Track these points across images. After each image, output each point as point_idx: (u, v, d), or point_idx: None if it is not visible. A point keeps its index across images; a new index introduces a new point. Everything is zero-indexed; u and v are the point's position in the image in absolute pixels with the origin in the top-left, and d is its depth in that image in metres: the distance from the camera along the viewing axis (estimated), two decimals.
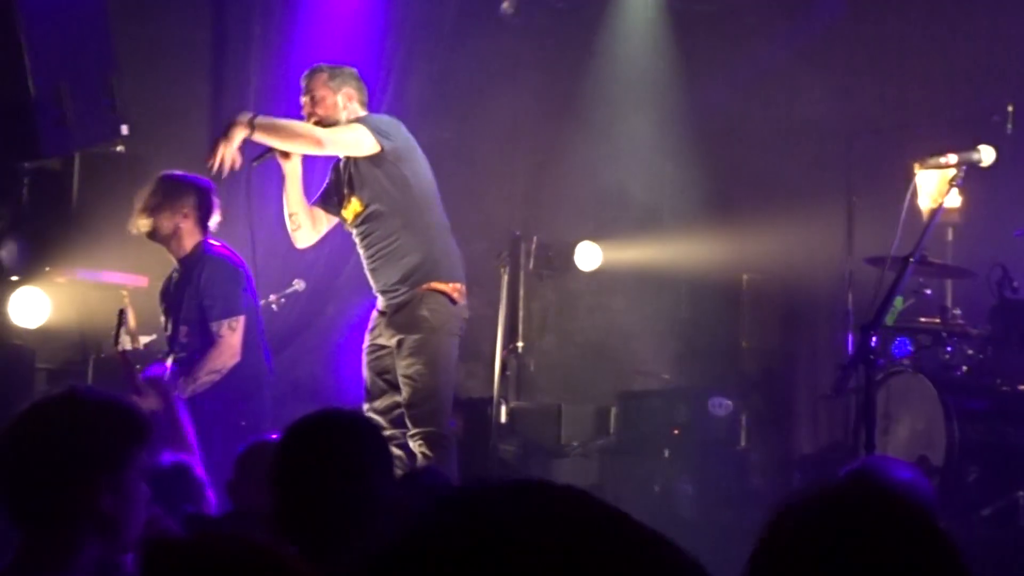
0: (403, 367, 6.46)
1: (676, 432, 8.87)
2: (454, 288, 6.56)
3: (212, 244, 6.72)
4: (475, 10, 9.97)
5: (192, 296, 6.55)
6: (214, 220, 6.71)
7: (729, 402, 8.95)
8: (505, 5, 10.15)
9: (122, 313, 6.33)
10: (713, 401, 8.92)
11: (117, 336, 6.30)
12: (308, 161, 6.80)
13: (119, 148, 7.93)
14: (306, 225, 6.77)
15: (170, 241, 6.64)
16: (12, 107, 6.80)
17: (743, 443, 9.10)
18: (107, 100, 7.36)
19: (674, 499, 8.22)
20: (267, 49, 9.02)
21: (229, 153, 6.34)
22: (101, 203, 7.81)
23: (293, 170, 6.65)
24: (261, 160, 6.66)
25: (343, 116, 6.60)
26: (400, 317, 6.52)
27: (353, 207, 6.63)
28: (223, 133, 6.38)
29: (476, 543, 1.09)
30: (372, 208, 6.59)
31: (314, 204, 6.81)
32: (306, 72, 6.76)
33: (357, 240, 6.71)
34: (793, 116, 9.90)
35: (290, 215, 6.76)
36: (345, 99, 6.65)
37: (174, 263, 6.73)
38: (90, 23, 7.34)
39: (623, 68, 10.47)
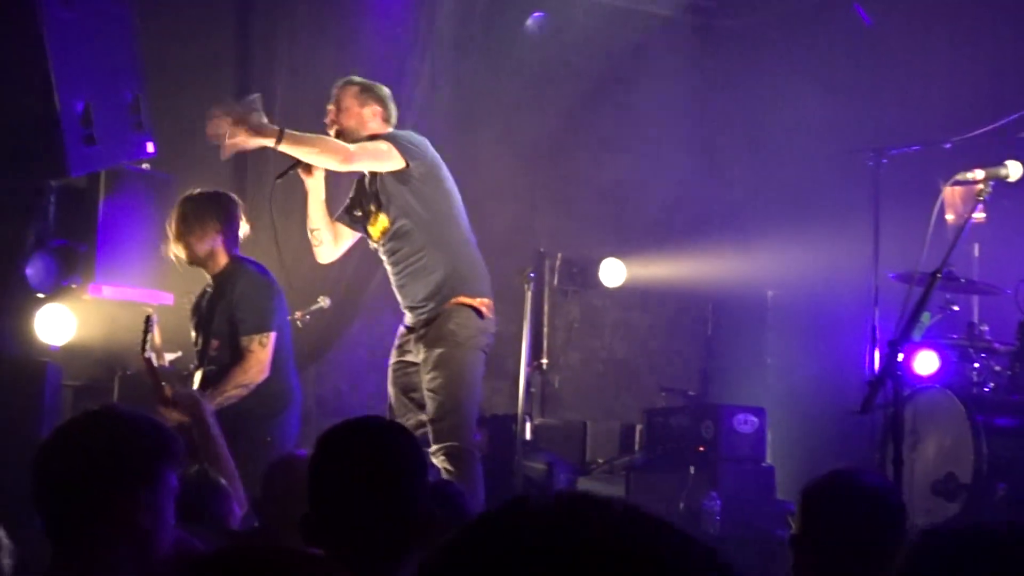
0: (427, 381, 6.44)
1: (701, 449, 8.84)
2: (481, 303, 6.54)
3: (245, 259, 6.74)
4: (501, 26, 9.98)
5: (224, 310, 6.55)
6: (243, 230, 6.72)
7: (755, 418, 8.91)
8: (530, 22, 10.16)
9: (149, 319, 6.34)
10: (738, 417, 8.88)
11: (144, 343, 6.31)
12: (331, 176, 6.80)
13: (145, 166, 7.97)
14: (328, 241, 6.77)
15: (207, 261, 6.65)
16: (39, 125, 6.83)
17: (769, 459, 9.06)
18: (133, 118, 7.40)
19: (700, 516, 8.18)
20: (292, 67, 9.04)
21: (239, 142, 6.32)
22: (127, 221, 7.84)
23: (316, 186, 6.65)
24: (285, 175, 6.67)
25: (365, 131, 6.60)
26: (428, 332, 6.50)
27: (380, 224, 6.62)
28: (248, 124, 6.33)
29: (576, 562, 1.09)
30: (399, 225, 6.58)
31: (336, 219, 6.82)
32: (339, 81, 6.77)
33: (384, 257, 6.71)
34: (818, 131, 9.86)
35: (312, 231, 6.77)
36: (371, 114, 6.66)
37: (207, 279, 6.73)
38: (116, 41, 7.37)
39: (647, 84, 10.46)
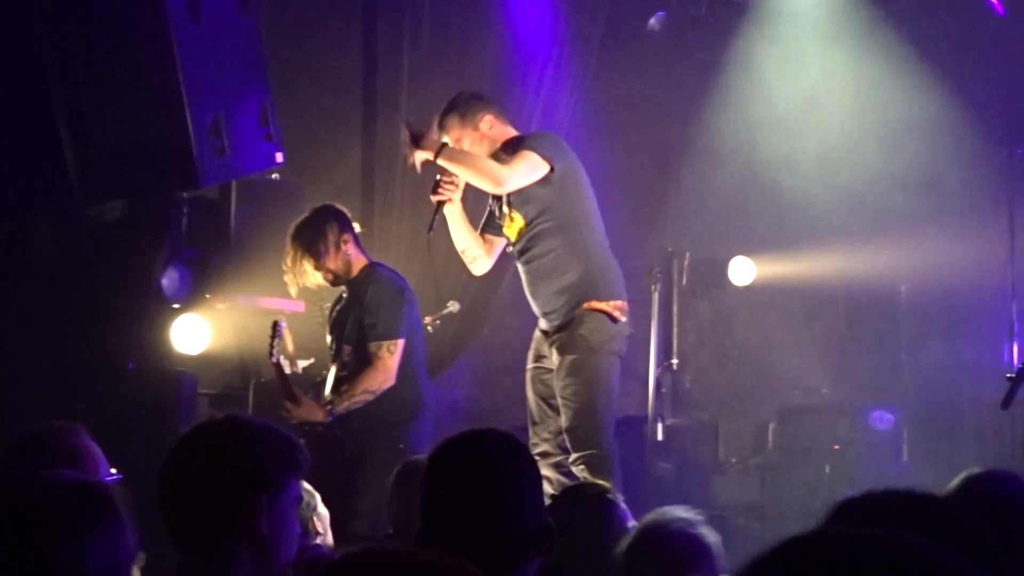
0: (560, 388, 6.36)
1: (837, 447, 8.73)
2: (614, 306, 6.42)
3: (378, 264, 6.79)
4: (624, 26, 9.95)
5: (357, 317, 6.61)
6: (357, 229, 6.78)
7: (891, 415, 8.79)
8: (653, 21, 10.12)
9: (276, 325, 6.43)
10: (874, 415, 8.77)
11: (272, 348, 6.40)
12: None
13: (274, 175, 8.07)
14: (479, 254, 6.70)
15: (346, 273, 6.71)
16: (171, 139, 6.95)
17: (906, 457, 8.93)
18: (262, 128, 7.49)
19: None
20: (416, 76, 9.09)
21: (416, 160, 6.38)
22: (258, 230, 7.94)
23: (454, 212, 6.56)
24: (434, 222, 6.60)
25: (489, 143, 6.52)
26: (561, 337, 6.42)
27: (516, 224, 6.53)
28: (414, 141, 6.35)
29: None
30: (535, 225, 6.50)
31: (482, 231, 6.74)
32: (438, 119, 6.61)
33: (516, 258, 6.65)
34: (953, 123, 9.69)
35: (462, 251, 6.73)
36: (487, 127, 6.53)
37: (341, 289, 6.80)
38: (244, 53, 7.47)
39: (774, 80, 10.35)
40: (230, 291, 7.85)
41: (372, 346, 6.53)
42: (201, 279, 7.81)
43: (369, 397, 6.47)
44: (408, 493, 4.33)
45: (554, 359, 6.44)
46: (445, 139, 6.43)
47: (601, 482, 4.56)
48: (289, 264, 6.67)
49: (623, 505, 4.07)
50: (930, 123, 9.83)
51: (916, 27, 10.01)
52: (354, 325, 6.63)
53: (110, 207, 7.71)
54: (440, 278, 7.17)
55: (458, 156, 6.37)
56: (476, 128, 6.51)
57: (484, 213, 6.77)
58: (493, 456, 2.98)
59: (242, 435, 2.82)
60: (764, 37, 10.41)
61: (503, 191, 6.43)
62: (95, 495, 2.50)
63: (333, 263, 6.63)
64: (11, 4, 7.32)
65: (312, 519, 4.91)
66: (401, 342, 6.55)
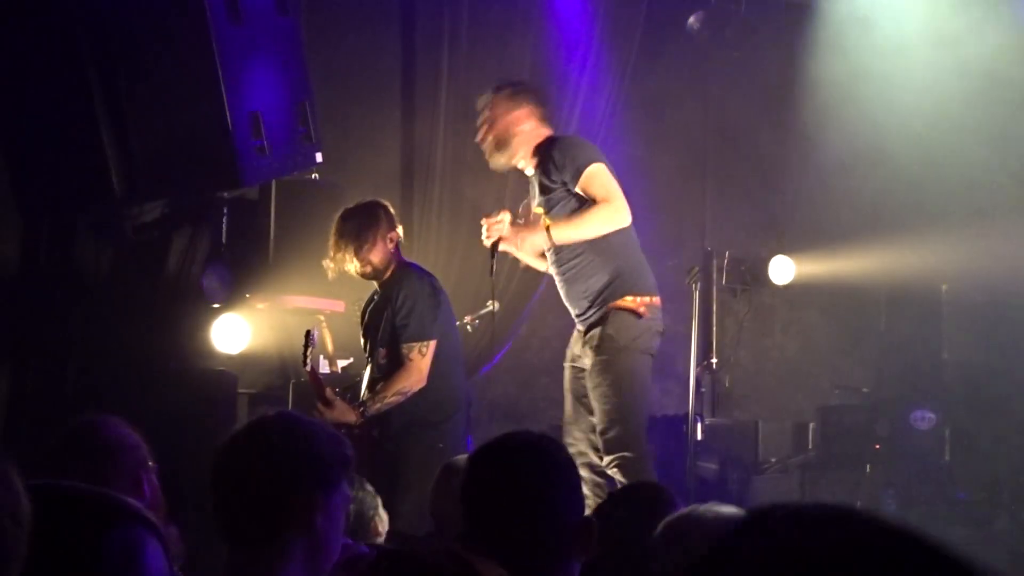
0: (592, 389, 6.36)
1: (877, 447, 8.69)
2: (639, 303, 6.39)
3: (410, 264, 6.76)
4: (662, 25, 9.93)
5: (389, 318, 6.57)
6: (398, 232, 6.71)
7: (932, 415, 8.74)
8: (692, 20, 10.10)
9: (309, 334, 6.44)
10: (915, 414, 8.72)
11: (305, 357, 6.41)
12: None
13: (314, 175, 8.09)
14: (537, 263, 6.74)
15: (383, 271, 6.64)
16: (212, 139, 6.98)
17: (947, 457, 8.87)
18: (302, 128, 7.52)
19: None
20: (454, 76, 9.10)
21: (509, 241, 6.38)
22: (297, 230, 7.96)
23: (518, 248, 6.54)
24: (493, 268, 6.60)
25: (520, 134, 6.51)
26: (591, 338, 6.42)
27: (543, 222, 6.54)
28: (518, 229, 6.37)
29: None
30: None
31: None
32: (482, 96, 6.66)
33: (550, 262, 6.63)
34: (994, 122, 9.62)
35: (524, 268, 6.78)
36: (525, 116, 6.53)
37: (374, 286, 6.78)
38: (284, 53, 7.50)
39: (811, 80, 10.31)
40: (270, 291, 7.87)
41: (404, 348, 6.50)
42: (241, 279, 7.84)
43: (400, 399, 6.46)
44: (450, 492, 4.34)
45: (587, 360, 6.44)
46: (547, 222, 6.40)
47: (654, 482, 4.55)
48: (332, 248, 6.60)
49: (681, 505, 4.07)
50: (972, 119, 9.75)
51: (952, 24, 9.95)
52: (387, 327, 6.58)
53: (151, 207, 7.75)
54: (481, 279, 7.17)
55: (569, 232, 6.34)
56: (514, 112, 6.51)
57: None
58: (532, 458, 2.98)
59: (298, 431, 2.83)
60: (804, 35, 10.36)
61: (629, 220, 6.37)
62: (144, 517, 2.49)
63: (376, 256, 6.57)
64: (52, 6, 7.37)
65: (375, 519, 4.92)
66: (433, 343, 6.51)
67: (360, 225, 6.59)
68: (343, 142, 8.67)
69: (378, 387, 6.52)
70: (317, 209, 8.03)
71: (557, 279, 6.61)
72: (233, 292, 7.81)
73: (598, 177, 6.32)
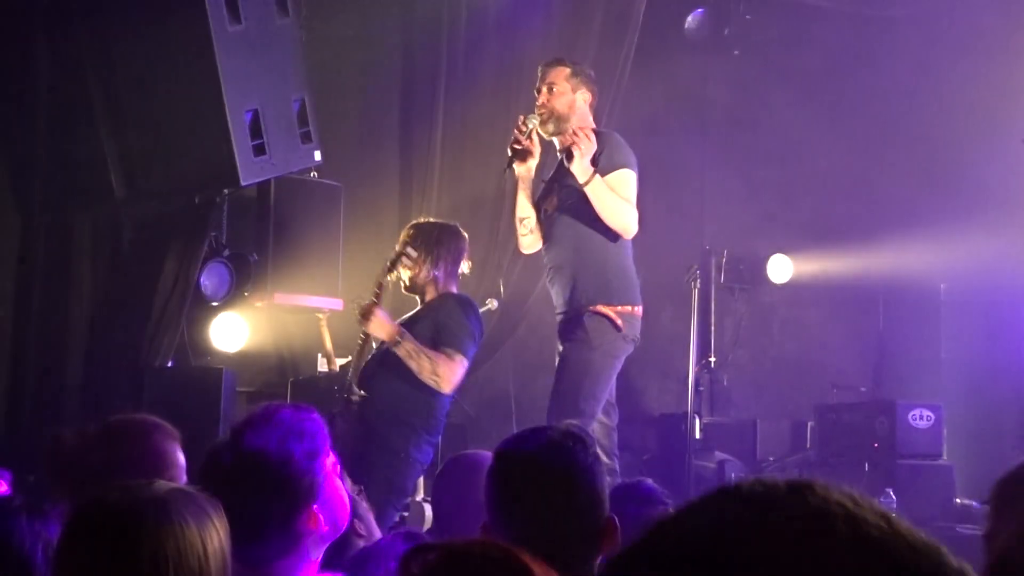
0: (555, 381, 6.45)
1: (876, 445, 8.69)
2: (621, 311, 6.43)
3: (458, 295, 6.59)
4: (660, 27, 9.92)
5: (428, 326, 6.36)
6: (464, 267, 6.59)
7: (931, 413, 8.74)
8: (691, 19, 10.10)
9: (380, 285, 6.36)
10: (914, 413, 8.72)
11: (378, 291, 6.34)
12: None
13: (312, 174, 8.10)
14: (534, 227, 6.69)
15: (427, 288, 6.48)
16: (210, 137, 7.00)
17: (945, 456, 8.87)
18: (301, 128, 7.53)
19: None
20: (453, 79, 9.10)
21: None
22: (296, 229, 7.97)
23: (526, 175, 6.62)
24: (507, 169, 6.64)
25: (573, 118, 6.54)
26: (564, 332, 6.52)
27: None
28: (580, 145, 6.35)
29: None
30: (559, 225, 6.57)
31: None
32: (547, 61, 6.76)
33: (544, 249, 6.70)
34: (993, 119, 9.62)
35: (521, 220, 6.70)
36: (582, 101, 6.63)
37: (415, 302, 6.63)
38: (283, 52, 7.52)
39: (812, 80, 10.32)
40: (268, 289, 7.88)
41: (448, 349, 6.30)
42: (240, 277, 7.85)
43: (426, 366, 6.24)
44: (453, 487, 4.35)
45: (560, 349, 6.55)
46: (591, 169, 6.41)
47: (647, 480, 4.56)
48: (400, 245, 6.44)
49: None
50: (972, 116, 9.76)
51: (947, 22, 9.95)
52: (427, 327, 6.35)
53: (150, 206, 7.76)
54: (480, 279, 7.16)
55: (603, 188, 6.37)
56: (574, 92, 6.61)
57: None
58: (562, 452, 2.98)
59: (288, 421, 2.86)
60: (801, 37, 10.37)
61: (635, 231, 6.49)
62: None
63: (437, 272, 6.43)
64: (52, 5, 7.38)
65: (354, 522, 4.90)
66: (467, 364, 6.39)
67: (442, 239, 6.49)
68: (342, 142, 8.67)
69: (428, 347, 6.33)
70: (316, 208, 8.06)
71: (546, 263, 6.68)
72: (232, 290, 7.82)
73: (629, 183, 6.48)
